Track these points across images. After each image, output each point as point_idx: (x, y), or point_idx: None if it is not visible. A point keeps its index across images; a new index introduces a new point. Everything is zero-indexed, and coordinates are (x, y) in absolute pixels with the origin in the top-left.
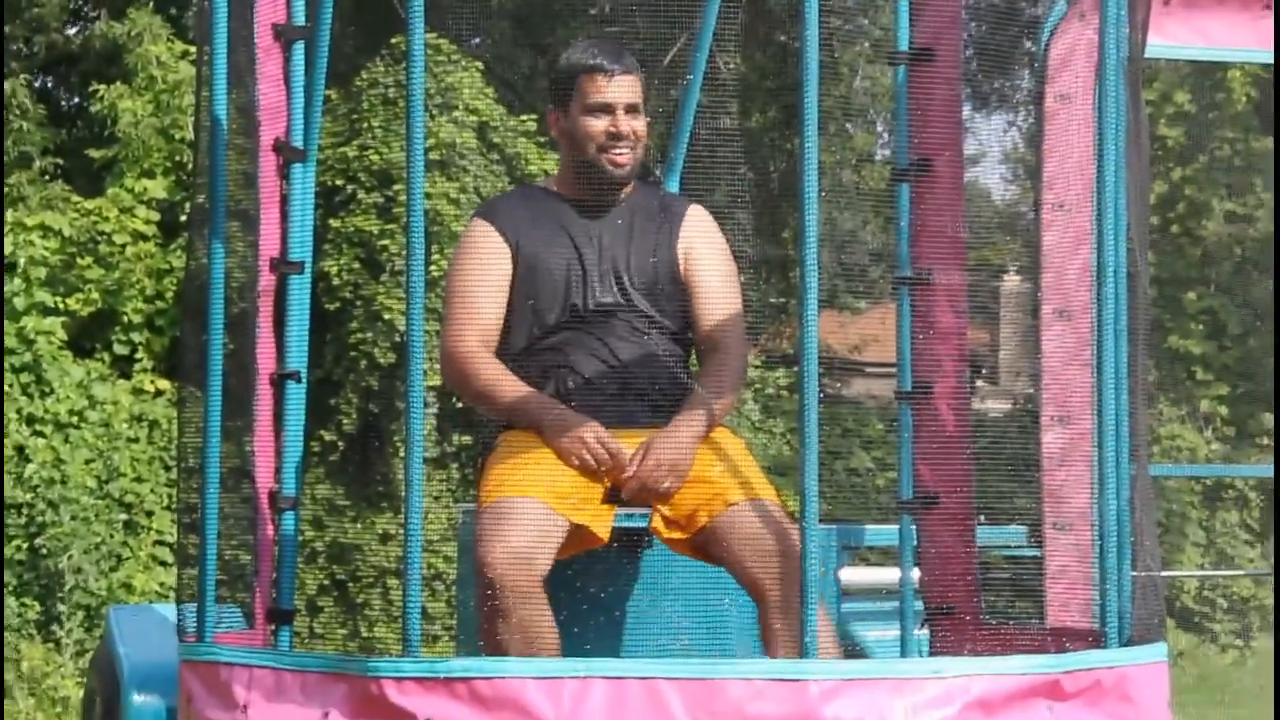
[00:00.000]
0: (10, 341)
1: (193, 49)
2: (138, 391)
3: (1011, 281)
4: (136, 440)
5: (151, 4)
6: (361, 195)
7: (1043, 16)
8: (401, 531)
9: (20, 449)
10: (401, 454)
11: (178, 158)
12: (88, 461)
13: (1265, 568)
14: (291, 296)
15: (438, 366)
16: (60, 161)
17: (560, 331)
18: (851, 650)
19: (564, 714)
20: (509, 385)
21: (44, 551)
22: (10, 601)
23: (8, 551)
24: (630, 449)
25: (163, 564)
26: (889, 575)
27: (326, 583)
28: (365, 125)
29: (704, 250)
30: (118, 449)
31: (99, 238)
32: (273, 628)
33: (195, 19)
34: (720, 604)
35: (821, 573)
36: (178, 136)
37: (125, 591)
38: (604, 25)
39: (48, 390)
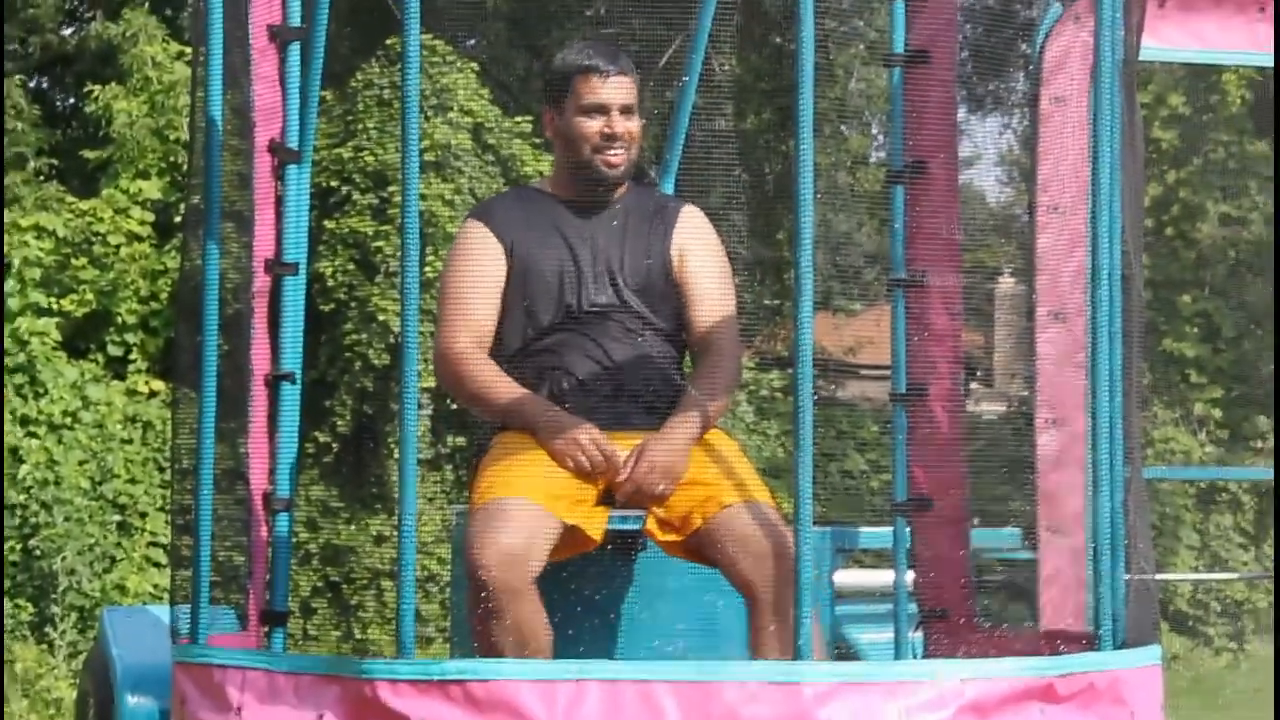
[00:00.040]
0: (4, 342)
1: (188, 50)
2: (132, 392)
3: (1006, 284)
4: (130, 441)
5: (147, 5)
6: (356, 196)
7: (1038, 19)
8: (395, 533)
9: (14, 450)
10: (396, 456)
11: (173, 159)
12: (81, 463)
13: (1259, 571)
14: (286, 298)
15: (432, 368)
16: (55, 162)
17: (554, 333)
18: (845, 653)
19: (558, 717)
20: (503, 386)
21: (37, 553)
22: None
23: None
24: (625, 451)
25: (156, 565)
26: (883, 578)
27: (320, 584)
28: (360, 126)
29: (698, 251)
30: (111, 450)
31: (93, 238)
32: (266, 630)
33: (190, 20)
34: (715, 606)
35: (815, 575)
36: (173, 137)
37: (119, 593)
38: (599, 27)
39: (41, 391)
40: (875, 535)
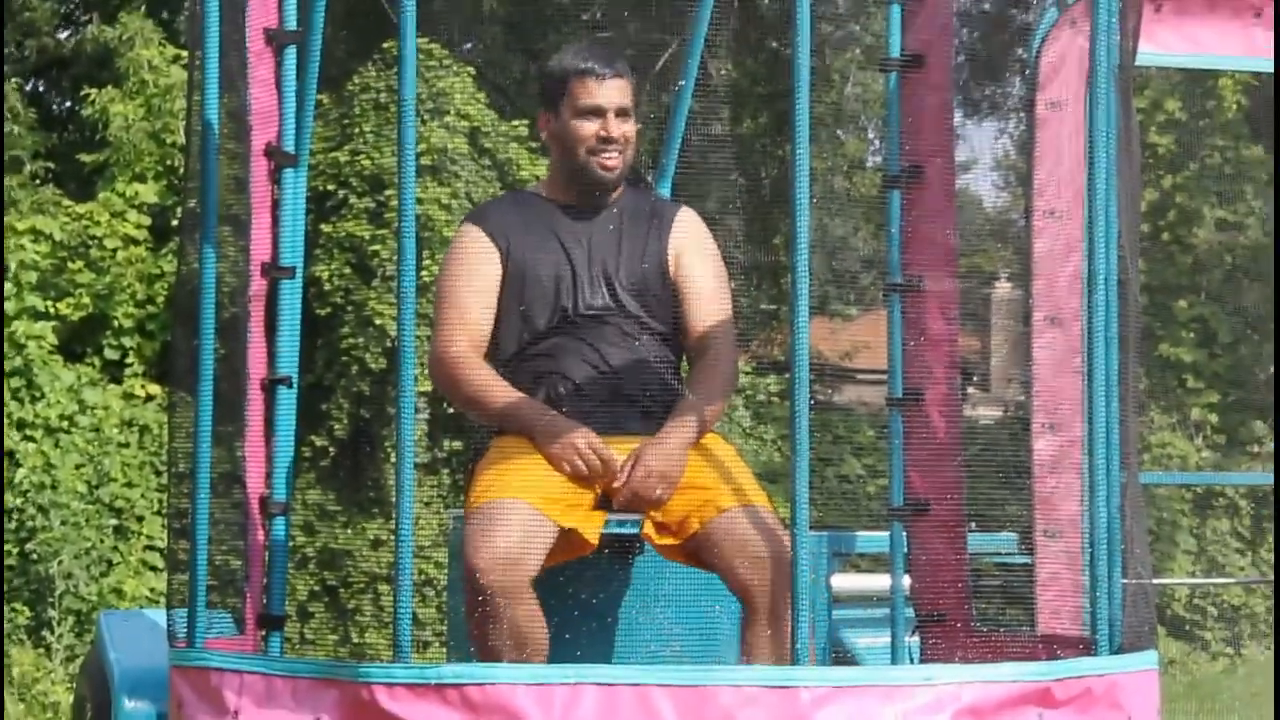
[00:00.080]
0: (2, 346)
1: (184, 53)
2: (128, 396)
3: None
4: (127, 445)
5: (143, 8)
6: (353, 200)
7: (1034, 24)
8: (392, 537)
9: (10, 454)
10: (392, 459)
11: (169, 162)
12: (78, 466)
13: (1256, 576)
14: (283, 301)
15: (428, 372)
16: (51, 165)
17: (551, 337)
18: (842, 657)
19: None
20: (499, 390)
21: (34, 557)
22: None
23: None
24: (622, 455)
25: (153, 569)
26: (880, 582)
27: (317, 588)
28: (357, 130)
29: (694, 254)
30: (108, 454)
31: (90, 242)
32: (263, 633)
33: (187, 23)
34: (711, 610)
35: (812, 579)
36: (169, 141)
37: (116, 597)
38: (596, 31)
39: (38, 395)
40: (872, 540)
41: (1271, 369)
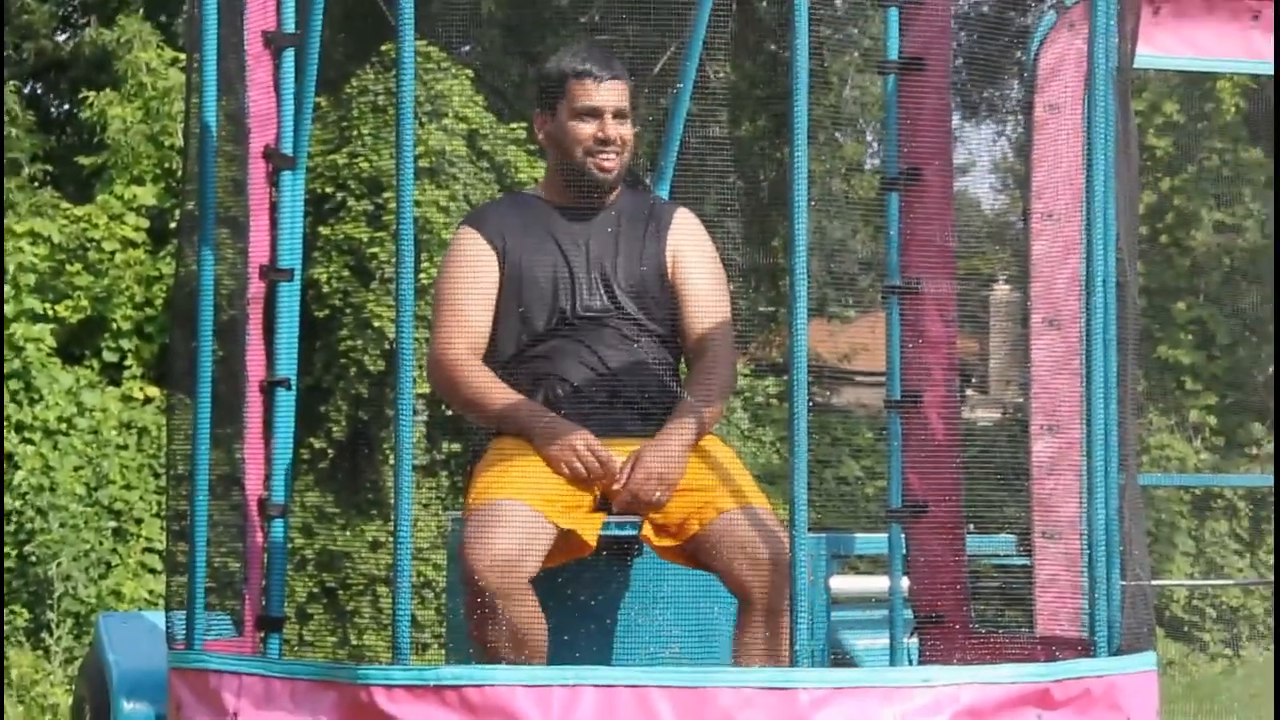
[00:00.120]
0: (2, 349)
1: (182, 56)
2: (127, 398)
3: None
4: (126, 447)
5: (141, 11)
6: (351, 202)
7: (1032, 26)
8: (391, 539)
9: (9, 456)
10: (391, 461)
11: (167, 164)
12: (77, 469)
13: (1254, 577)
14: (281, 304)
15: (427, 374)
16: (49, 168)
17: (549, 339)
18: (841, 659)
19: None
20: (498, 392)
21: (33, 559)
22: None
23: None
24: (620, 457)
25: (152, 571)
26: (878, 584)
27: (316, 590)
28: (355, 132)
29: (692, 255)
30: (107, 456)
31: (88, 244)
32: (262, 635)
33: (185, 26)
34: (710, 612)
35: (811, 581)
36: (167, 143)
37: (114, 599)
38: (594, 33)
39: (37, 397)
40: (870, 541)
41: (1270, 370)
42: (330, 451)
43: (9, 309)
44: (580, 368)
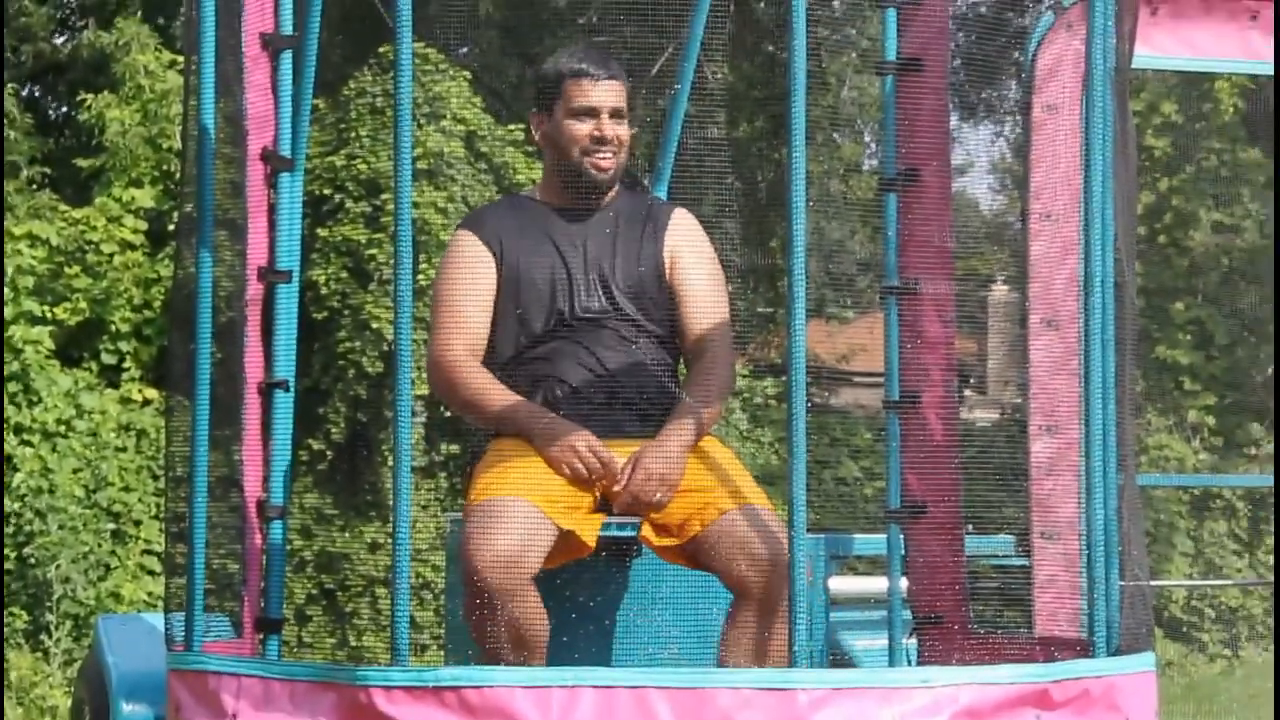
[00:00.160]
0: (2, 351)
1: (180, 58)
2: (125, 401)
3: (999, 291)
4: (124, 449)
5: (139, 13)
6: (349, 204)
7: (1030, 27)
8: (390, 540)
9: (8, 458)
10: (390, 463)
11: (165, 167)
12: (75, 471)
13: (1253, 577)
14: (279, 305)
15: (425, 375)
16: (48, 170)
17: (548, 340)
18: (840, 659)
19: None
20: (497, 394)
21: (32, 561)
22: None
23: None
24: (621, 459)
25: (151, 573)
26: (877, 584)
27: (315, 592)
28: (353, 134)
29: (689, 255)
30: (105, 458)
31: (86, 247)
32: (261, 637)
33: (183, 28)
34: (709, 612)
35: (810, 582)
36: (165, 146)
37: (113, 601)
38: (592, 35)
39: (35, 399)
40: (869, 542)
41: (1269, 371)
42: (329, 453)
43: (8, 311)
44: (579, 369)
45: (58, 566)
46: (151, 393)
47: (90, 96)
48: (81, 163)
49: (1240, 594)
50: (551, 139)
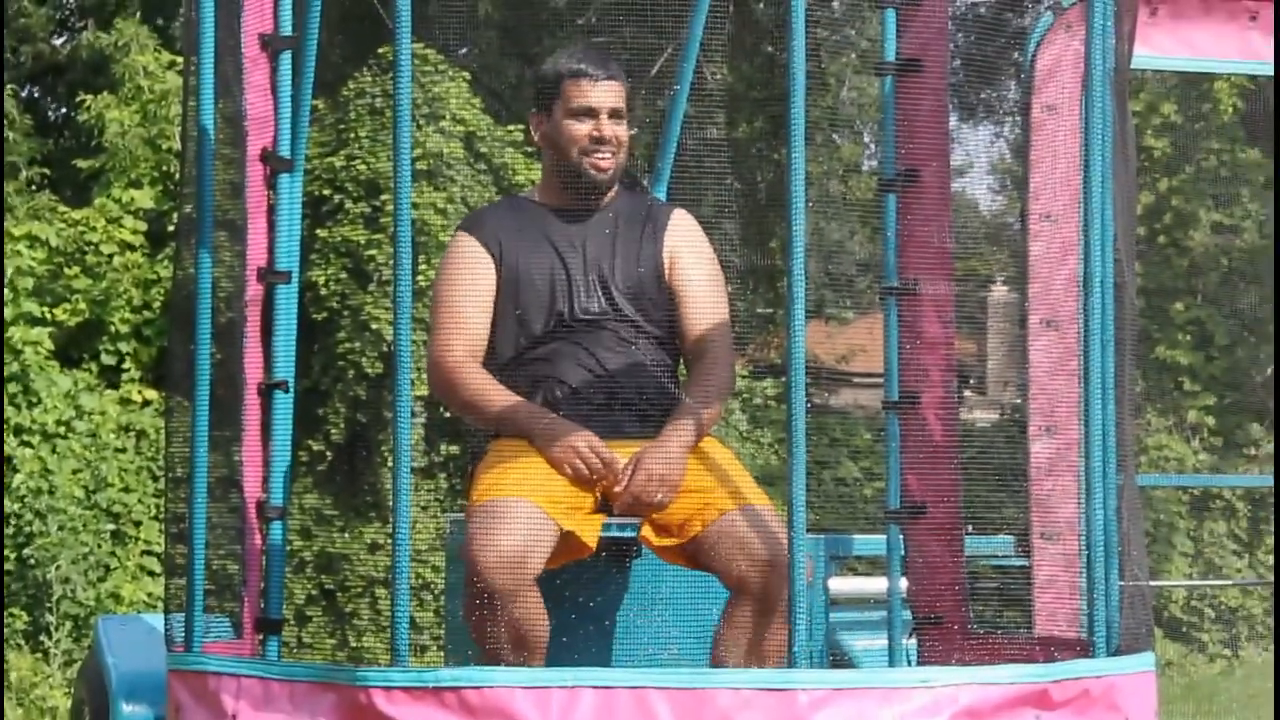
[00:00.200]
0: (2, 352)
1: (180, 59)
2: (125, 401)
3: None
4: (124, 450)
5: (138, 14)
6: (349, 205)
7: (1029, 27)
8: (389, 541)
9: (8, 459)
10: (389, 463)
11: (165, 168)
12: (75, 471)
13: (1253, 577)
14: (279, 306)
15: (425, 376)
16: (47, 171)
17: (547, 341)
18: (840, 660)
19: None
20: (497, 395)
21: (31, 561)
22: None
23: None
24: (622, 459)
25: (151, 574)
26: (877, 585)
27: (315, 592)
28: (352, 135)
29: (689, 256)
30: (105, 459)
31: (86, 248)
32: (261, 637)
33: (182, 29)
34: (709, 613)
35: (809, 583)
36: (165, 146)
37: (113, 601)
38: (591, 35)
39: (35, 400)
40: (869, 542)
41: (1269, 371)
42: (329, 454)
43: (7, 312)
44: (578, 370)
45: (57, 567)
46: (151, 393)
47: (89, 97)
48: (81, 164)
49: (1240, 594)
50: (550, 139)
